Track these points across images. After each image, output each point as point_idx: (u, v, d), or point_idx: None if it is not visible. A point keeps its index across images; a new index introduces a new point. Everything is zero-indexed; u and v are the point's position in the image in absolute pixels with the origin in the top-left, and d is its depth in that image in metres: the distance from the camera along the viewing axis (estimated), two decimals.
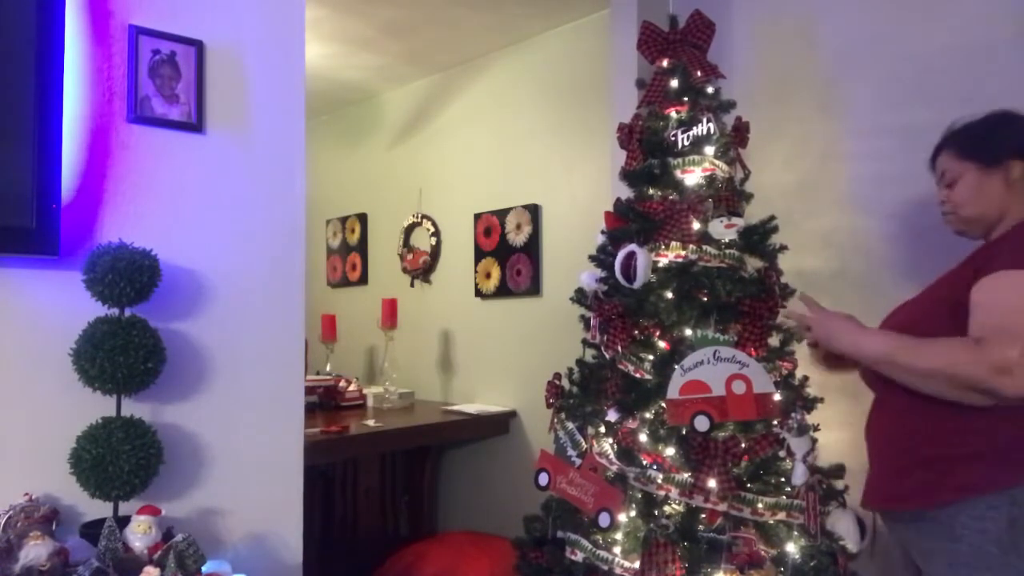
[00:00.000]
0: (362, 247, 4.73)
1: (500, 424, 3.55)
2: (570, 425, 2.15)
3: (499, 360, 3.71)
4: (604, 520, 1.94)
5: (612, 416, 2.02)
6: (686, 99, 2.16)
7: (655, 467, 1.93)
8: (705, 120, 2.09)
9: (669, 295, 2.03)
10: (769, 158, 2.58)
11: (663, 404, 1.92)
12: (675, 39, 2.23)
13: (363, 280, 4.71)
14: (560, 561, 2.02)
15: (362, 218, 4.74)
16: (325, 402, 3.68)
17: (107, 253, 1.51)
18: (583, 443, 2.09)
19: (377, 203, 4.65)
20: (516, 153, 3.77)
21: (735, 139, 2.15)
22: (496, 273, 3.76)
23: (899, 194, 2.35)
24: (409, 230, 4.38)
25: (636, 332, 2.05)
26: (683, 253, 2.03)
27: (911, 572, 1.74)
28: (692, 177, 2.11)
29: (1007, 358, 1.39)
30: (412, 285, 4.32)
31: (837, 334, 1.75)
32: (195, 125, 1.77)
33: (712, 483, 1.82)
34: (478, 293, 3.82)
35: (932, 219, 2.27)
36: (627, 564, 1.90)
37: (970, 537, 1.50)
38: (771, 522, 1.87)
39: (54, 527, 1.46)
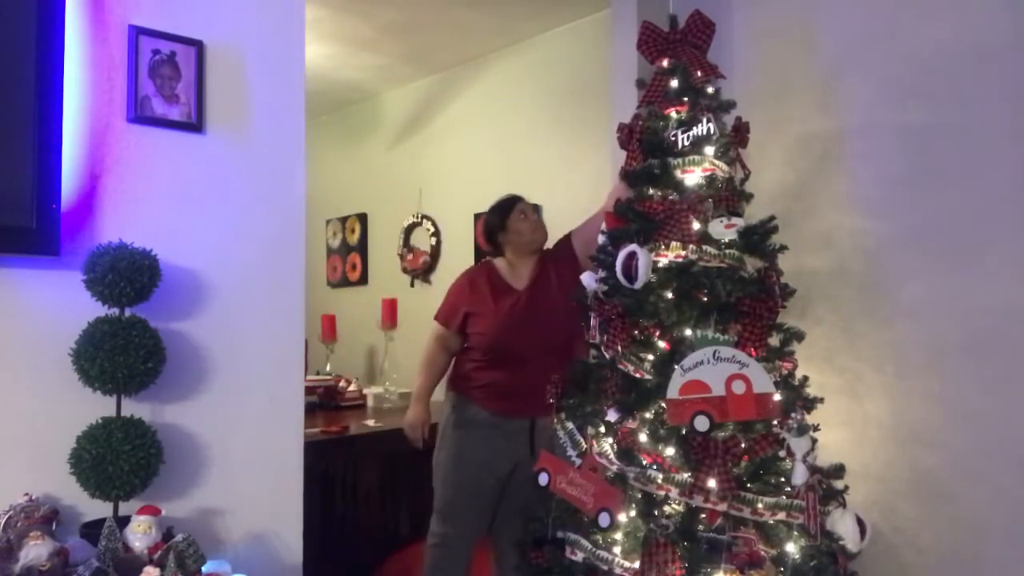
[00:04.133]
0: (362, 247, 4.73)
1: None
2: (570, 425, 2.15)
3: None
4: (604, 520, 1.94)
5: (612, 416, 2.02)
6: (686, 99, 2.16)
7: (655, 467, 1.93)
8: (705, 120, 2.09)
9: (669, 295, 2.03)
10: (769, 158, 2.58)
11: (663, 404, 1.92)
12: (675, 39, 2.23)
13: (363, 280, 4.71)
14: (560, 561, 2.02)
15: (362, 218, 4.75)
16: (325, 402, 3.68)
17: (107, 253, 1.51)
18: (583, 443, 2.09)
19: (377, 203, 4.66)
20: (516, 153, 3.77)
21: (735, 139, 2.15)
22: None
23: (899, 194, 2.35)
24: (409, 230, 4.38)
25: (636, 332, 2.05)
26: (683, 253, 2.03)
27: None
28: (692, 177, 2.11)
29: None
30: (412, 285, 4.32)
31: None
32: (195, 125, 1.77)
33: (712, 483, 1.82)
34: None
35: (931, 219, 2.28)
36: (627, 564, 1.90)
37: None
38: (771, 522, 1.87)
39: (54, 527, 1.46)
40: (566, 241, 2.69)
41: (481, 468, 2.56)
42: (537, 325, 2.56)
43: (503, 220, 2.67)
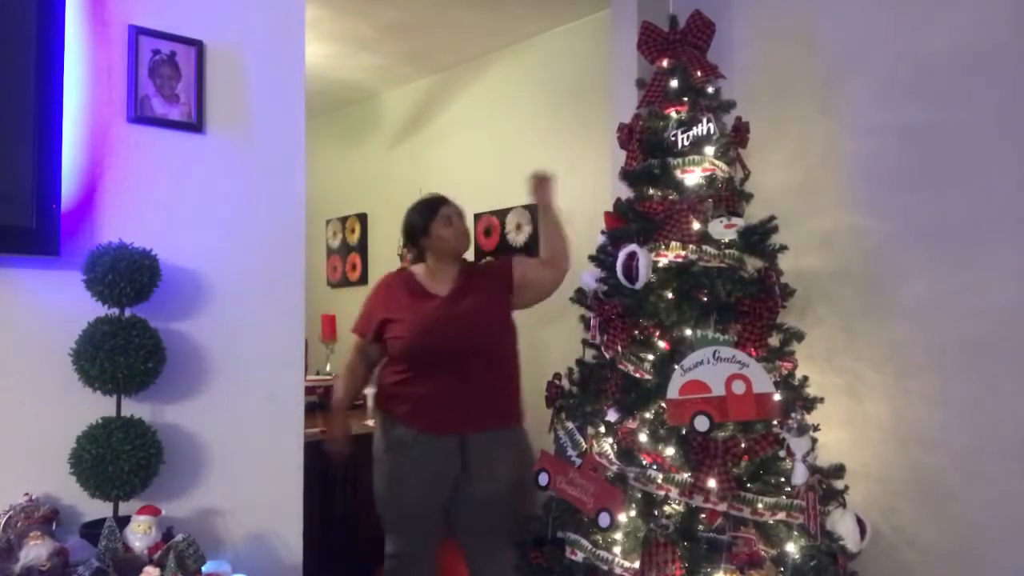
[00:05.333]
0: (362, 247, 4.73)
1: None
2: (570, 425, 2.15)
3: None
4: (604, 520, 1.94)
5: (612, 416, 2.02)
6: (686, 99, 2.17)
7: (655, 467, 1.94)
8: (705, 120, 2.09)
9: (669, 295, 2.03)
10: (769, 158, 2.58)
11: (663, 404, 1.92)
12: (675, 39, 2.23)
13: (363, 280, 4.71)
14: (560, 561, 2.02)
15: (362, 218, 4.74)
16: (325, 402, 3.67)
17: (107, 253, 1.51)
18: (583, 443, 2.09)
19: (377, 203, 4.65)
20: (516, 153, 3.77)
21: (735, 139, 2.15)
22: None
23: (899, 194, 2.35)
24: None
25: (636, 332, 2.05)
26: (683, 253, 2.03)
27: None
28: (692, 177, 2.11)
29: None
30: None
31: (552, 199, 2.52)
32: (195, 125, 1.77)
33: (712, 483, 1.82)
34: None
35: (932, 219, 2.28)
36: (627, 564, 1.90)
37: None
38: (771, 522, 1.87)
39: (54, 527, 1.46)
40: (507, 264, 2.55)
41: (420, 491, 2.38)
42: (461, 330, 2.39)
43: (426, 223, 2.50)
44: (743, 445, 1.90)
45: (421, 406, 2.38)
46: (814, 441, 1.93)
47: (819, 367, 2.36)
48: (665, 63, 2.23)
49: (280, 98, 1.91)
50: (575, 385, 2.20)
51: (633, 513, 1.95)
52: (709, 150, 2.10)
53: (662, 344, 2.01)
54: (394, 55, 3.95)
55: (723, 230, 2.03)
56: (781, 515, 1.85)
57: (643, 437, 1.98)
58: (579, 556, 1.99)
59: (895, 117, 2.36)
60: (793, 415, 1.91)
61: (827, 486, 1.93)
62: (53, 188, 1.53)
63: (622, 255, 2.02)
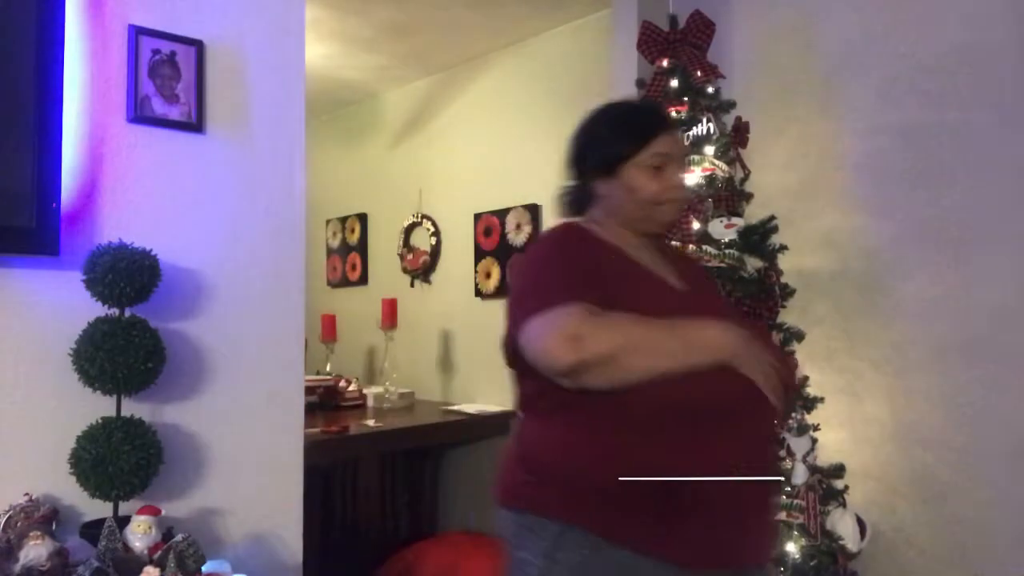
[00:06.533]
0: (362, 247, 4.73)
1: (500, 424, 3.54)
2: None
3: (499, 360, 3.67)
4: None
5: None
6: (686, 99, 2.17)
7: None
8: (705, 120, 2.09)
9: None
10: (769, 158, 2.58)
11: None
12: (675, 39, 2.23)
13: (363, 280, 4.71)
14: None
15: (362, 218, 4.74)
16: (325, 402, 3.67)
17: (107, 253, 1.51)
18: None
19: (377, 203, 4.65)
20: (516, 153, 3.77)
21: (735, 139, 2.15)
22: (496, 273, 3.76)
23: (899, 194, 2.35)
24: (409, 230, 4.38)
25: None
26: None
27: None
28: (692, 177, 2.11)
29: None
30: (412, 285, 4.32)
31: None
32: (195, 125, 1.77)
33: None
34: (478, 293, 3.82)
35: (931, 218, 2.28)
36: None
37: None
38: None
39: (54, 527, 1.46)
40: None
41: None
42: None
43: (620, 155, 1.31)
44: None
45: (687, 511, 1.14)
46: (814, 441, 1.94)
47: (819, 367, 2.36)
48: (665, 63, 2.23)
49: (280, 98, 1.91)
50: None
51: None
52: (709, 150, 2.10)
53: None
54: (394, 55, 3.95)
55: (723, 230, 2.03)
56: (781, 515, 1.85)
57: None
58: None
59: (895, 117, 2.36)
60: (793, 415, 1.91)
61: (827, 486, 1.93)
62: (53, 188, 1.53)
63: None
